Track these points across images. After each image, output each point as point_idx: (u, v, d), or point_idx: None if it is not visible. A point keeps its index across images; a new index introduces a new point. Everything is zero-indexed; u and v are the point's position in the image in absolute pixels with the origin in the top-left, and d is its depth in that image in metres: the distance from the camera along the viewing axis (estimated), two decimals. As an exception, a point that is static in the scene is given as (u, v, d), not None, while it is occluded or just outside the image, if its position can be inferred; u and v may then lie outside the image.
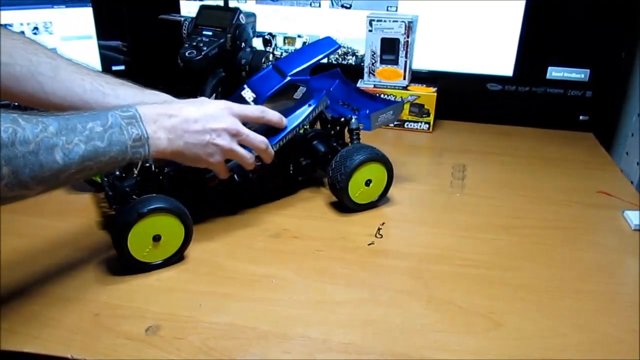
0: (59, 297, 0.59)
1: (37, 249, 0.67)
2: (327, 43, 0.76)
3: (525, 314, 0.58)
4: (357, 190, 0.76)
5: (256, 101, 0.71)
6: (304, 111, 0.74)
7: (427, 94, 1.07)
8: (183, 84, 0.94)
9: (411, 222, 0.77)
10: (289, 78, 0.71)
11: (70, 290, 0.60)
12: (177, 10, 1.17)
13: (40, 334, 0.54)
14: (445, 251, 0.69)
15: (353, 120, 0.80)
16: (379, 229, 0.73)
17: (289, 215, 0.77)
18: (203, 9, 0.88)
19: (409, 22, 1.02)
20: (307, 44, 1.17)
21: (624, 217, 0.78)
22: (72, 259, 0.65)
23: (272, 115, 0.70)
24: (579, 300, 0.60)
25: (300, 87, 0.74)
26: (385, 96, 1.07)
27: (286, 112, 0.72)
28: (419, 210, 0.81)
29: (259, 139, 0.67)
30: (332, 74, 0.89)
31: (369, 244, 0.70)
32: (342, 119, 0.81)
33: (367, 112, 0.81)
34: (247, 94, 0.73)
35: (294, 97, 0.74)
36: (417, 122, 1.09)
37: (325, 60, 1.15)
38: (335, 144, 0.81)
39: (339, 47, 0.77)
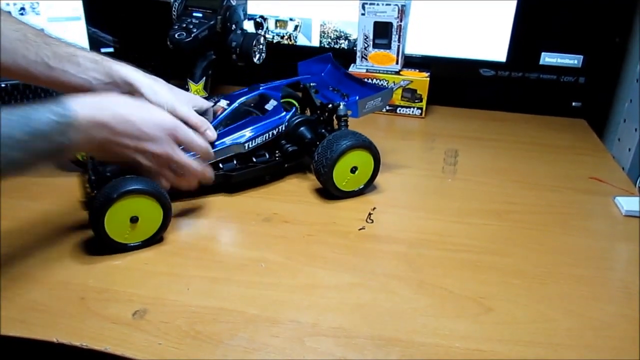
0: (45, 280, 0.58)
1: (22, 231, 0.66)
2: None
3: (516, 299, 0.58)
4: (342, 177, 0.75)
5: (229, 106, 0.76)
6: (273, 122, 0.78)
7: (419, 79, 1.06)
8: (173, 66, 0.93)
9: (402, 207, 0.76)
10: (261, 88, 0.80)
11: (56, 273, 0.59)
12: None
13: (25, 317, 0.53)
14: (436, 236, 0.69)
15: (341, 106, 0.78)
16: (369, 214, 0.73)
17: (280, 200, 0.76)
18: (193, -11, 0.87)
19: (402, 6, 1.01)
20: (299, 27, 1.16)
21: (615, 203, 0.78)
22: (58, 242, 0.64)
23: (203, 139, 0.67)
24: (570, 286, 0.60)
25: (272, 101, 0.80)
26: (378, 81, 1.06)
27: (256, 120, 0.77)
28: (410, 195, 0.81)
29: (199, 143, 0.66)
30: (323, 59, 0.88)
31: (360, 229, 0.70)
32: (330, 105, 0.80)
33: (357, 98, 0.80)
34: (222, 102, 0.78)
35: (266, 107, 0.80)
36: (410, 107, 1.09)
37: (317, 44, 1.16)
38: (322, 131, 0.80)
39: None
